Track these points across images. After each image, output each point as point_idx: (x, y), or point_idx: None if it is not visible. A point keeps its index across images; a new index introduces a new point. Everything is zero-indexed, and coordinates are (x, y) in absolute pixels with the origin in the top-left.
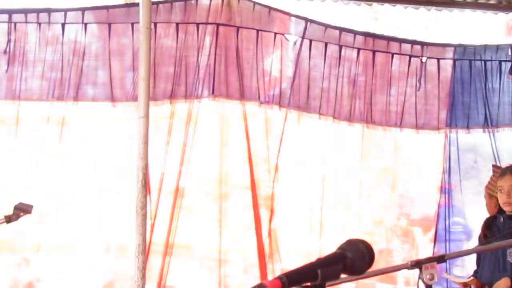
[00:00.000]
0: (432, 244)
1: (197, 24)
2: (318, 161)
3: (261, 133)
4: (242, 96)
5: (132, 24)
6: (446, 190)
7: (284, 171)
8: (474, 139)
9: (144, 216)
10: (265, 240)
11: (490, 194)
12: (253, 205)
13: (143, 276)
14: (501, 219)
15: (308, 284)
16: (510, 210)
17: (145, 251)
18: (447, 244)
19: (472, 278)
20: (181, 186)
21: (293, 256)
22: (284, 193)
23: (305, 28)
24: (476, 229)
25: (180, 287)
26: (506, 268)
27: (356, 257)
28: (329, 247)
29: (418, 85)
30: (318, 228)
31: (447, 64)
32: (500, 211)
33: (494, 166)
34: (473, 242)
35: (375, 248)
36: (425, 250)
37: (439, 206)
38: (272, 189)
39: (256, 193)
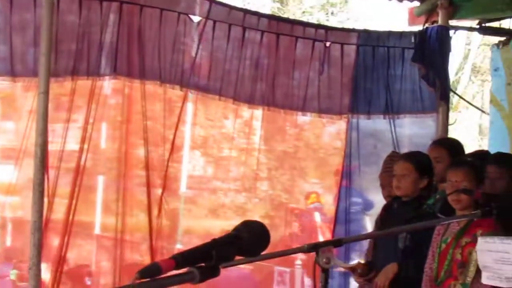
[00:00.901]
0: (332, 227)
1: (101, 1)
2: (218, 143)
3: (161, 113)
4: (143, 75)
5: None
6: (346, 174)
7: (184, 152)
8: (375, 125)
9: (41, 193)
10: (161, 221)
11: (382, 182)
12: (147, 185)
13: (39, 254)
14: (395, 205)
15: (203, 264)
16: (400, 194)
17: (41, 228)
18: (347, 227)
19: (358, 262)
20: (81, 164)
21: (192, 238)
22: (184, 174)
23: (210, 9)
24: (375, 213)
25: (78, 265)
26: (397, 254)
27: (251, 238)
28: (229, 230)
29: (321, 69)
30: (218, 210)
31: (350, 50)
32: (396, 197)
33: (393, 152)
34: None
35: (275, 231)
36: (325, 234)
37: (339, 190)
38: (167, 169)
39: (151, 172)
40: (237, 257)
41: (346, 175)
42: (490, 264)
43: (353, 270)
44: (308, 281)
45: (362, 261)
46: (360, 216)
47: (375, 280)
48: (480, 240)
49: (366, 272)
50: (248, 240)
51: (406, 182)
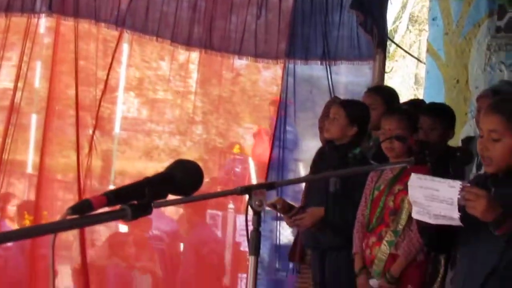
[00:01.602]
0: (265, 172)
1: None
2: (153, 85)
3: (94, 52)
4: (78, 13)
5: None
6: (281, 120)
7: (118, 93)
8: (311, 71)
9: None
10: (91, 160)
11: (320, 126)
12: (78, 125)
13: None
14: (327, 149)
15: (135, 202)
16: (328, 137)
17: None
18: (280, 172)
19: (278, 198)
20: (16, 102)
21: (125, 180)
22: (118, 115)
23: None
24: (308, 159)
25: (12, 203)
26: (328, 199)
27: (184, 177)
28: None
29: (259, 13)
30: (152, 152)
31: None
32: (329, 142)
33: (335, 97)
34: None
35: (208, 175)
36: (259, 177)
37: (273, 135)
38: (99, 109)
39: (83, 113)
40: (171, 197)
41: (281, 121)
42: (420, 200)
43: (274, 206)
44: (240, 225)
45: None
46: (293, 161)
47: (299, 221)
48: (413, 175)
49: (287, 208)
50: (181, 179)
51: (334, 126)
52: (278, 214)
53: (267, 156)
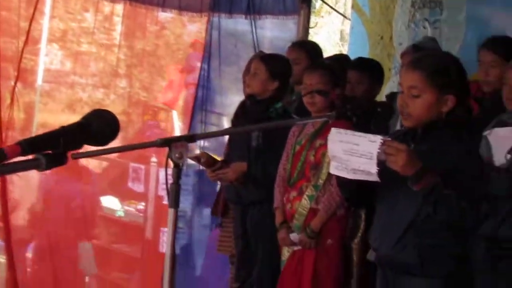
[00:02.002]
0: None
1: None
2: (77, 37)
3: (16, 3)
4: None
5: None
6: (204, 74)
7: (41, 44)
8: (236, 25)
9: None
10: (13, 112)
11: (244, 80)
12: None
13: None
14: (248, 103)
15: (50, 151)
16: (249, 92)
17: None
18: (203, 126)
19: (201, 152)
20: None
21: None
22: (40, 67)
23: None
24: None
25: None
26: (250, 153)
27: (100, 126)
28: None
29: None
30: (75, 105)
31: None
32: (250, 97)
33: (260, 52)
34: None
35: (132, 128)
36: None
37: (197, 88)
38: (20, 61)
39: (5, 64)
40: (90, 148)
41: (204, 73)
42: (339, 155)
43: (197, 159)
44: (162, 178)
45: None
46: (217, 115)
47: (222, 175)
48: (333, 130)
49: (211, 162)
50: (97, 128)
51: (255, 81)
52: (201, 168)
53: (190, 109)
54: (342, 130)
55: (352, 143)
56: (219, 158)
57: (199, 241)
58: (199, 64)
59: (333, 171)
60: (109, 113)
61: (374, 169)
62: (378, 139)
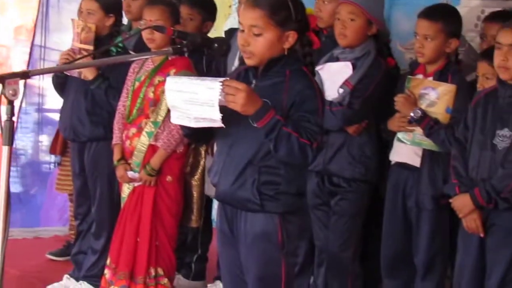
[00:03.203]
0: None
1: None
2: None
3: None
4: None
5: None
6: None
7: None
8: None
9: None
10: None
11: None
12: None
13: None
14: None
15: None
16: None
17: None
18: (42, 62)
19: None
20: None
21: None
22: None
23: None
24: None
25: None
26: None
27: None
28: None
29: None
30: None
31: None
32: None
33: None
34: None
35: None
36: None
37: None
38: None
39: None
40: None
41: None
42: (179, 104)
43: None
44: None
45: None
46: (56, 52)
47: None
48: (169, 79)
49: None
50: None
51: (91, 20)
52: (41, 107)
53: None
54: (178, 79)
55: (190, 92)
56: None
57: (41, 180)
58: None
59: (175, 121)
60: None
61: (217, 116)
62: (217, 85)
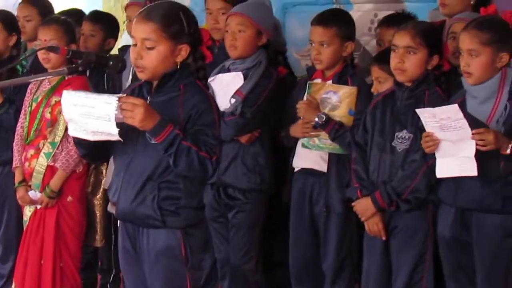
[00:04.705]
0: None
1: None
2: None
3: None
4: None
5: None
6: None
7: None
8: None
9: None
10: None
11: None
12: None
13: None
14: None
15: None
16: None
17: None
18: None
19: None
20: None
21: None
22: None
23: None
24: None
25: None
26: None
27: None
28: None
29: None
30: None
31: None
32: None
33: None
34: None
35: None
36: None
37: None
38: None
39: None
40: None
41: None
42: (75, 117)
43: None
44: None
45: None
46: None
47: None
48: (65, 93)
49: None
50: None
51: None
52: None
53: None
54: (74, 93)
55: (87, 106)
56: None
57: None
58: None
59: (72, 133)
60: None
61: (114, 130)
62: (113, 100)
